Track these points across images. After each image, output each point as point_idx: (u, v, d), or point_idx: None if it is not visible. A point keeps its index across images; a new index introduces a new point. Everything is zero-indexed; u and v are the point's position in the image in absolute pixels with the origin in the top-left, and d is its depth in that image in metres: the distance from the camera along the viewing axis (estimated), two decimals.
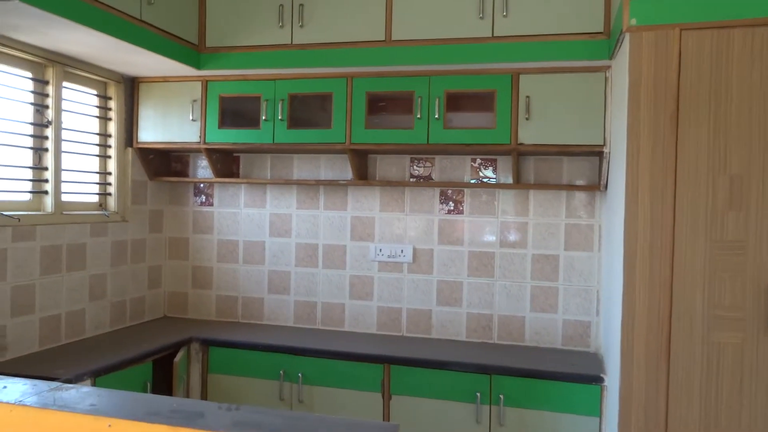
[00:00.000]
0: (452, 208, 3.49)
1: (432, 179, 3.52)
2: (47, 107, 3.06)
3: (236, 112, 3.51)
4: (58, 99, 3.10)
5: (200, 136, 3.50)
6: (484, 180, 3.45)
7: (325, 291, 3.69)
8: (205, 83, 3.49)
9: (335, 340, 3.40)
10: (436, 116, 3.13)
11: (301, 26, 3.21)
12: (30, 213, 2.95)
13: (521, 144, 3.04)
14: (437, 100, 3.13)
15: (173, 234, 3.93)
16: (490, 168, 3.44)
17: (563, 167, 3.33)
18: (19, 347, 2.86)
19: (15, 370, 2.62)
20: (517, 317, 3.40)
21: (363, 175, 3.54)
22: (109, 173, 3.53)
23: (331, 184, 3.60)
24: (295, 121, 3.38)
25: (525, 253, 3.39)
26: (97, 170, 3.47)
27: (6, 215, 2.77)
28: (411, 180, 3.55)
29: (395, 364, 3.06)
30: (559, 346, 3.35)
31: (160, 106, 3.58)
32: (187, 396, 3.31)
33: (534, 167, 3.37)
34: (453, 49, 3.04)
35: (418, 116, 3.16)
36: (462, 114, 3.22)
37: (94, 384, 2.65)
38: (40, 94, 3.04)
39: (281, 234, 3.75)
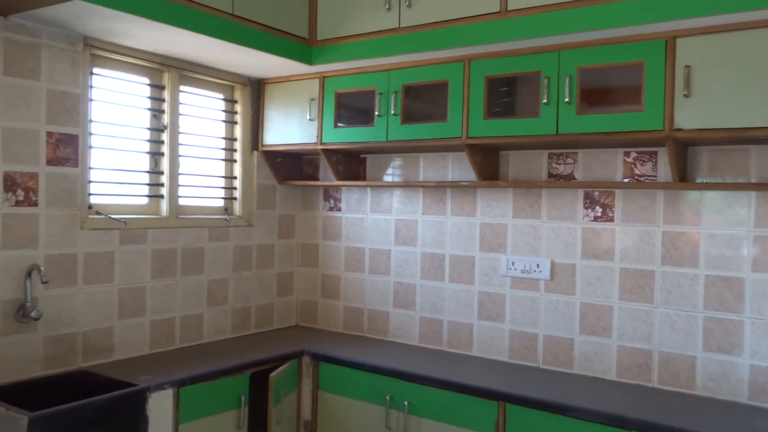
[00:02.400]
0: (599, 214, 2.82)
1: (574, 178, 2.89)
2: (163, 112, 3.08)
3: (351, 108, 3.24)
4: (174, 103, 3.11)
5: (317, 137, 3.29)
6: (641, 179, 2.73)
7: (451, 308, 3.24)
8: (322, 80, 3.27)
9: (461, 365, 2.95)
10: (567, 99, 2.52)
11: (408, 6, 2.82)
12: (141, 216, 2.97)
13: (678, 130, 2.31)
14: (567, 79, 2.52)
15: (305, 240, 3.79)
16: (649, 163, 2.71)
17: (750, 160, 2.48)
18: (127, 349, 2.88)
19: (110, 371, 2.62)
20: (684, 357, 2.61)
21: (492, 175, 3.03)
22: (234, 177, 3.49)
23: (453, 186, 3.14)
24: (409, 115, 3.00)
25: (696, 274, 2.60)
26: (223, 174, 3.44)
27: (113, 218, 2.81)
28: (549, 180, 2.95)
29: (513, 403, 2.51)
30: (744, 399, 2.50)
31: (282, 107, 3.45)
32: (297, 415, 3.10)
33: (708, 161, 2.57)
34: (586, 13, 2.41)
35: (545, 101, 2.58)
36: (599, 96, 2.56)
37: (177, 394, 2.54)
38: (157, 99, 3.07)
39: (407, 242, 3.39)
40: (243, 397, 2.80)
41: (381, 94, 3.05)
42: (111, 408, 2.30)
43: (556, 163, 2.93)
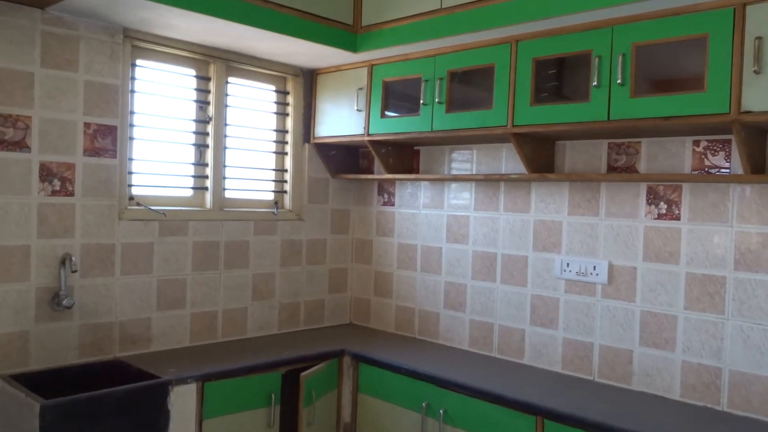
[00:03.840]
0: (664, 211, 2.48)
1: (636, 171, 2.56)
2: (208, 103, 3.06)
3: (398, 97, 3.08)
4: (220, 95, 3.09)
5: (365, 128, 3.16)
6: (712, 171, 2.37)
7: (502, 311, 2.99)
8: (371, 68, 3.13)
9: (508, 374, 2.72)
10: (619, 81, 2.23)
11: None
12: (183, 208, 2.97)
13: (747, 112, 1.96)
14: (621, 58, 2.22)
15: (359, 236, 3.67)
16: (722, 153, 2.34)
17: None
18: (166, 341, 2.89)
19: (145, 361, 2.63)
20: (761, 378, 2.24)
21: (546, 167, 2.76)
22: (285, 170, 3.43)
23: (503, 179, 2.90)
24: (455, 103, 2.80)
25: None
26: (273, 167, 3.40)
27: (153, 210, 2.83)
28: (608, 173, 2.64)
29: (551, 419, 2.26)
30: None
31: (333, 97, 3.35)
32: (337, 417, 2.99)
33: None
34: None
35: (595, 83, 2.29)
36: (655, 76, 2.24)
37: (201, 389, 2.50)
38: (203, 91, 3.06)
39: (458, 240, 3.18)
40: (274, 396, 2.72)
41: (426, 81, 2.87)
42: (130, 400, 2.28)
43: (617, 154, 2.62)
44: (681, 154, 2.43)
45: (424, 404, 2.66)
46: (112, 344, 2.71)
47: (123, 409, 2.26)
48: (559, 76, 2.52)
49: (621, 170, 2.61)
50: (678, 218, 2.44)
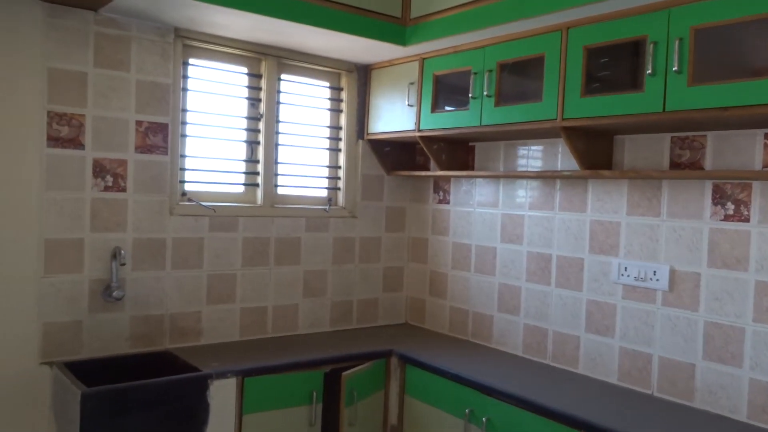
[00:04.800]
0: (731, 212, 2.25)
1: (701, 167, 2.34)
2: (259, 100, 3.09)
3: (448, 91, 2.98)
4: (272, 92, 3.10)
5: (415, 123, 3.08)
6: None
7: (557, 316, 2.83)
8: (422, 62, 3.05)
9: (560, 383, 2.57)
10: (675, 68, 2.03)
11: None
12: (234, 204, 3.01)
13: None
14: (677, 43, 2.03)
15: (415, 234, 3.60)
16: None
17: None
18: (216, 334, 2.94)
19: (194, 354, 2.68)
20: None
21: (603, 164, 2.58)
22: (339, 167, 3.41)
23: (555, 177, 2.74)
24: (503, 96, 2.67)
25: None
26: (327, 164, 3.38)
27: (203, 205, 2.88)
28: (670, 169, 2.43)
29: None
30: None
31: (386, 93, 3.29)
32: (384, 418, 2.94)
33: None
34: None
35: (649, 71, 2.10)
36: (715, 62, 2.02)
37: (242, 384, 2.52)
38: (255, 88, 3.09)
39: (512, 240, 3.04)
40: (315, 394, 2.70)
41: (476, 73, 2.75)
42: (169, 391, 2.33)
43: (680, 149, 2.40)
44: (751, 148, 2.19)
45: (467, 411, 2.55)
46: (162, 336, 2.79)
47: (162, 400, 2.31)
48: (611, 66, 2.34)
49: (684, 167, 2.38)
50: (747, 220, 2.20)
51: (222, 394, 2.46)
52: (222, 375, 2.47)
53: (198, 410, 2.40)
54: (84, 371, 2.48)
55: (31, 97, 2.45)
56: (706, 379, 2.30)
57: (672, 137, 2.42)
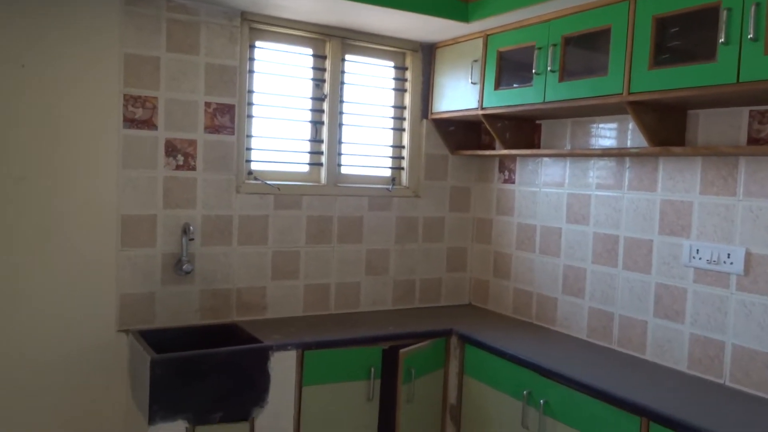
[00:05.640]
0: None
1: None
2: (324, 81, 3.13)
3: (512, 68, 2.91)
4: (336, 72, 3.14)
5: (478, 101, 3.03)
6: None
7: (624, 300, 2.73)
8: (486, 39, 3.00)
9: (625, 369, 2.49)
10: (751, 36, 1.89)
11: None
12: (298, 183, 3.08)
13: None
14: (753, 8, 1.89)
15: (479, 214, 3.56)
16: None
17: None
18: (280, 309, 3.03)
19: (259, 327, 2.78)
20: None
21: (675, 140, 2.45)
22: (402, 146, 3.41)
23: (622, 154, 2.63)
24: (568, 71, 2.58)
25: None
26: (390, 144, 3.40)
27: (268, 184, 2.96)
28: (747, 145, 2.28)
29: (659, 423, 2.02)
30: None
31: (450, 71, 3.26)
32: (444, 397, 2.95)
33: None
34: None
35: (722, 40, 1.97)
36: None
37: (301, 357, 2.59)
38: (320, 69, 3.13)
39: (578, 220, 2.95)
40: (374, 370, 2.74)
41: (540, 49, 2.68)
42: (232, 361, 2.43)
43: (760, 123, 2.25)
44: None
45: (525, 393, 2.52)
46: (229, 309, 2.90)
47: (226, 368, 2.41)
48: (681, 36, 2.21)
49: (764, 142, 2.23)
50: None
51: (282, 366, 2.54)
52: (282, 347, 2.55)
53: (259, 380, 2.49)
54: (156, 339, 2.63)
55: (108, 81, 2.59)
56: None
57: (750, 111, 2.27)
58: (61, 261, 2.54)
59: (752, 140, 2.27)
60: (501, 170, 3.41)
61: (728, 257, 2.33)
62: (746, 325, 2.28)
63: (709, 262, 2.39)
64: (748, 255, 2.27)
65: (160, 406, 2.28)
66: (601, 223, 2.84)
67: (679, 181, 2.51)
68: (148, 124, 2.68)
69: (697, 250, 2.43)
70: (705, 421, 1.93)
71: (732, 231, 2.32)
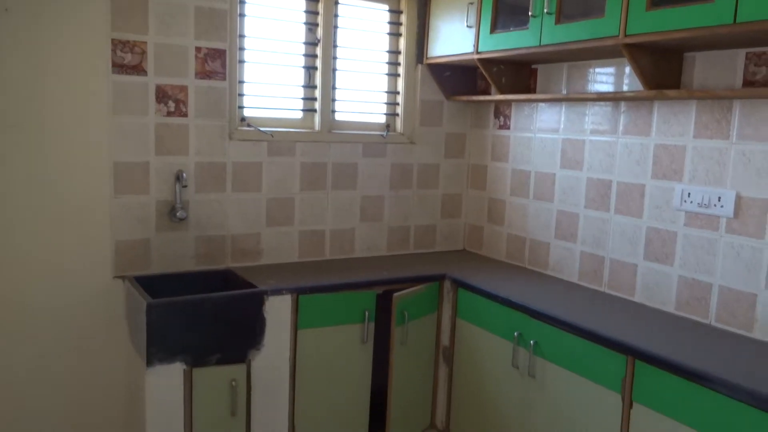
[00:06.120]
0: None
1: None
2: (317, 25, 3.08)
3: (508, 10, 2.85)
4: (329, 16, 3.08)
5: (474, 45, 2.99)
6: None
7: (615, 244, 2.76)
8: None
9: (614, 311, 2.53)
10: None
11: None
12: (291, 130, 3.06)
13: None
14: None
15: (474, 161, 3.55)
16: None
17: None
18: (275, 255, 3.06)
19: (253, 273, 2.81)
20: None
21: (670, 83, 2.43)
22: (397, 92, 3.38)
23: (617, 98, 2.61)
24: (565, 13, 2.54)
25: None
26: (385, 89, 3.36)
27: (261, 131, 2.95)
28: (743, 88, 2.26)
29: (643, 360, 2.07)
30: None
31: (445, 14, 3.20)
32: (437, 340, 3.01)
33: None
34: None
35: None
36: None
37: (296, 301, 2.63)
38: (312, 13, 3.07)
39: (572, 166, 2.95)
40: (368, 313, 2.79)
41: None
42: (228, 305, 2.47)
43: (756, 66, 2.22)
44: None
45: (516, 334, 2.57)
46: (224, 256, 2.93)
47: (222, 313, 2.45)
48: None
49: (759, 85, 2.21)
50: None
51: (277, 310, 2.58)
52: (277, 292, 2.59)
53: (254, 323, 2.54)
54: (152, 285, 2.66)
55: (96, 25, 2.54)
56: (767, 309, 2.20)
57: (747, 53, 2.25)
58: (54, 209, 2.55)
59: (747, 83, 2.25)
60: (496, 116, 3.39)
61: (719, 200, 2.34)
62: (734, 266, 2.31)
63: (700, 205, 2.41)
64: (739, 198, 2.28)
65: (157, 349, 2.32)
66: (595, 169, 2.84)
67: (673, 125, 2.50)
68: (138, 69, 2.64)
69: (689, 194, 2.44)
70: (688, 358, 1.98)
71: (723, 175, 2.33)
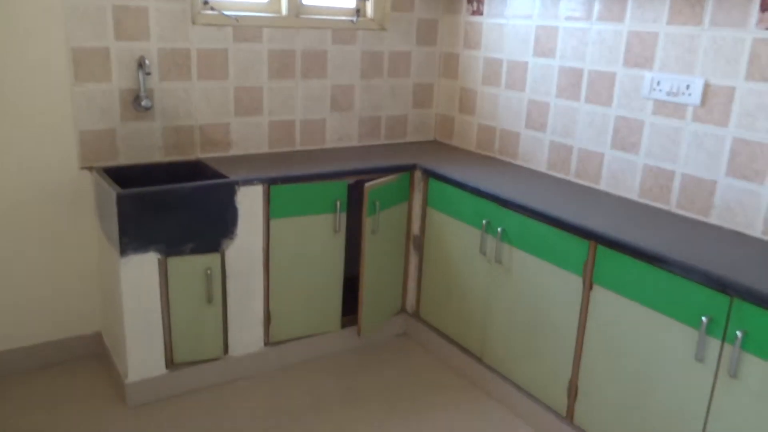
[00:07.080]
0: None
1: None
2: None
3: None
4: None
5: None
6: None
7: (583, 133, 2.79)
8: None
9: (580, 200, 2.58)
10: None
11: None
12: (257, 14, 2.93)
13: None
14: None
15: (446, 49, 3.48)
16: None
17: None
18: (245, 146, 3.03)
19: (224, 164, 2.79)
20: None
21: None
22: None
23: None
24: None
25: None
26: None
27: (225, 15, 2.82)
28: None
29: (604, 245, 2.16)
30: None
31: None
32: (408, 228, 3.07)
33: None
34: None
35: None
36: None
37: (268, 191, 2.64)
38: None
39: (545, 53, 2.91)
40: (339, 203, 2.82)
41: None
42: (199, 196, 2.47)
43: None
44: None
45: (484, 222, 2.64)
46: (194, 146, 2.89)
47: (193, 203, 2.46)
48: None
49: None
50: None
51: (249, 200, 2.59)
52: (248, 182, 2.59)
53: (227, 213, 2.55)
54: (121, 176, 2.64)
55: None
56: (725, 196, 2.29)
57: None
58: (12, 99, 2.45)
59: None
60: (470, 1, 3.28)
61: (687, 88, 2.36)
62: (696, 154, 2.36)
63: (668, 93, 2.42)
64: (707, 86, 2.30)
65: (130, 239, 2.34)
66: (568, 57, 2.81)
67: (648, 10, 2.46)
68: None
69: (658, 82, 2.45)
70: (647, 241, 2.07)
71: (693, 62, 2.33)
